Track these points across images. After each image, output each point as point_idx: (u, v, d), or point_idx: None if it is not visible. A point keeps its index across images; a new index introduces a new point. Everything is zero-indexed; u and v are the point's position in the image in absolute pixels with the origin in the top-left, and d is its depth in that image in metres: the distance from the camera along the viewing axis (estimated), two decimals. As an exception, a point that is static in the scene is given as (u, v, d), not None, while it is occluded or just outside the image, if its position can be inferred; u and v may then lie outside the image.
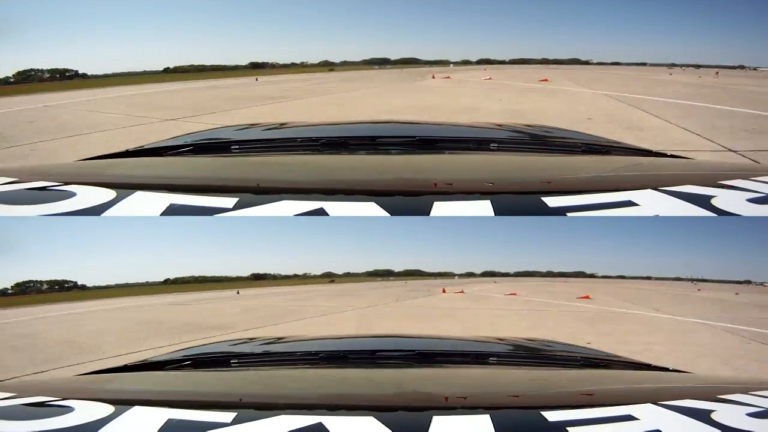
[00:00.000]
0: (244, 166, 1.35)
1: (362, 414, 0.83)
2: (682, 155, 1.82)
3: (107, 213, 0.88)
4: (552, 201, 0.94)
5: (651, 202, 0.94)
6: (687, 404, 0.90)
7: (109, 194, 0.96)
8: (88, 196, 0.97)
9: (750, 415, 0.86)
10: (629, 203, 0.92)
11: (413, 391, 1.13)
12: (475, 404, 0.99)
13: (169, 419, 0.80)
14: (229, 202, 0.92)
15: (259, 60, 42.59)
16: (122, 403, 0.90)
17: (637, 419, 0.80)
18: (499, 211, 0.89)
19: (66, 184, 1.05)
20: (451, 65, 45.28)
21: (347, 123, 2.69)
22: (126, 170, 1.35)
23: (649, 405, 0.88)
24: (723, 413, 0.85)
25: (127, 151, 1.67)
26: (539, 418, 0.83)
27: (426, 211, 0.88)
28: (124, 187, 1.00)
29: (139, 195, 0.96)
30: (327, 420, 0.78)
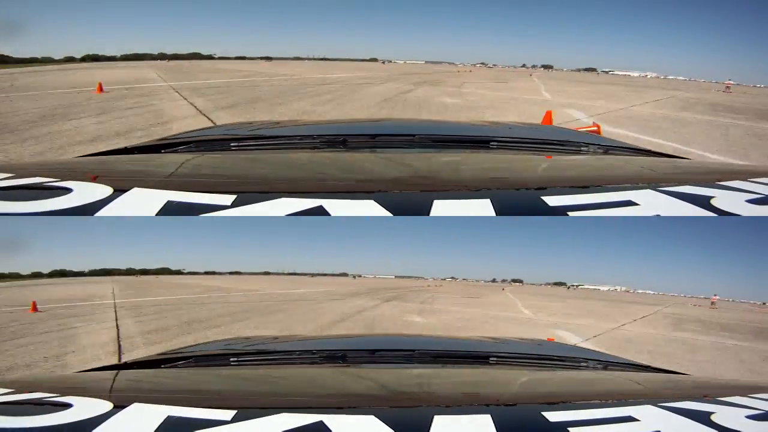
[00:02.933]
0: (242, 164, 1.35)
1: (363, 413, 0.83)
2: (682, 156, 1.83)
3: (104, 210, 0.88)
4: (552, 200, 0.94)
5: (651, 202, 0.93)
6: (687, 406, 0.89)
7: (106, 191, 0.95)
8: (85, 192, 0.96)
9: (750, 417, 0.86)
10: (629, 203, 0.92)
11: (414, 390, 1.13)
12: (476, 404, 0.99)
13: (168, 416, 0.80)
14: (227, 199, 0.91)
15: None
16: (121, 400, 0.89)
17: (638, 420, 0.80)
18: (499, 210, 0.88)
19: (62, 180, 1.04)
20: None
21: (346, 121, 2.69)
22: (123, 167, 1.35)
23: (649, 406, 0.88)
24: (723, 415, 0.85)
25: (125, 148, 1.67)
26: (540, 418, 0.83)
27: (426, 210, 0.88)
28: (121, 184, 0.99)
29: (136, 192, 0.96)
30: (328, 419, 0.78)
